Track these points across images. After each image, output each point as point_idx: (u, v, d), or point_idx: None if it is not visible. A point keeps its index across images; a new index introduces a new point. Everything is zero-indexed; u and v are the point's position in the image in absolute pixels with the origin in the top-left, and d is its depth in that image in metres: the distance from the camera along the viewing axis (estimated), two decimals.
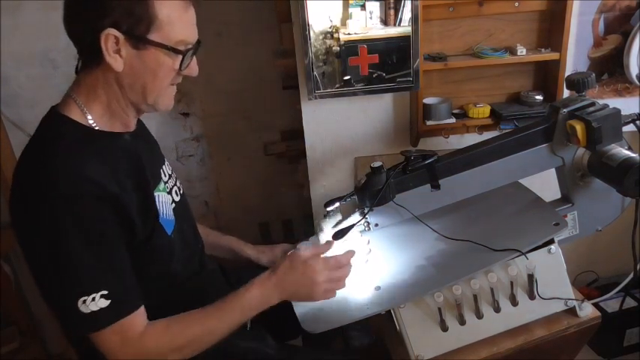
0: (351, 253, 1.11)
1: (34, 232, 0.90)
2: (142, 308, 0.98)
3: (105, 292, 0.91)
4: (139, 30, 0.91)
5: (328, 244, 1.12)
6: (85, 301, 0.90)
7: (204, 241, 1.29)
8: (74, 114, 0.97)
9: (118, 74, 0.95)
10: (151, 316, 1.06)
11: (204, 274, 1.20)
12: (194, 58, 1.01)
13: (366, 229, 1.18)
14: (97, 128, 0.98)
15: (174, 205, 1.13)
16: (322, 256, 1.08)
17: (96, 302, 0.90)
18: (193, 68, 1.02)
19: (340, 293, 1.12)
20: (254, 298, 1.03)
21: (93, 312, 0.90)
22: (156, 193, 1.05)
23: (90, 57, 0.95)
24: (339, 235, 1.15)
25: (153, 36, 0.93)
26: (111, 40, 0.90)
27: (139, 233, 0.98)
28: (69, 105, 0.98)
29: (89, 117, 0.97)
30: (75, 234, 0.89)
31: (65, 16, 0.93)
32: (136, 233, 0.97)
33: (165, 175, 1.14)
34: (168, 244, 1.05)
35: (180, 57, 0.97)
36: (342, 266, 1.09)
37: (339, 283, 1.08)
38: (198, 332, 1.00)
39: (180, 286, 1.11)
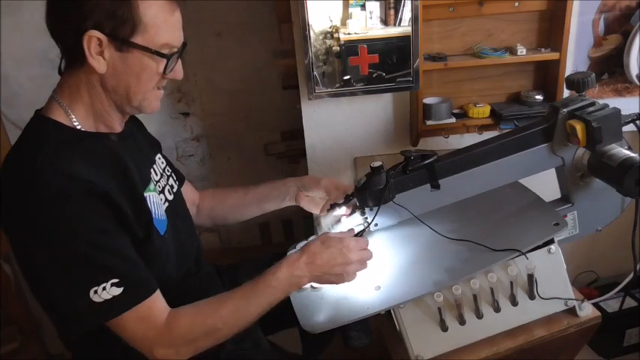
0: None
1: (28, 235, 0.89)
2: (159, 292, 0.97)
3: (115, 280, 0.90)
4: (122, 32, 0.91)
5: (351, 230, 1.13)
6: (96, 292, 0.89)
7: (241, 203, 1.33)
8: (58, 116, 0.96)
9: (102, 76, 0.94)
10: None
11: (200, 275, 1.20)
12: (179, 61, 1.00)
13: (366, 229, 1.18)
14: (81, 129, 0.97)
15: (167, 204, 1.13)
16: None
17: (108, 291, 0.89)
18: (178, 72, 1.01)
19: (340, 293, 1.12)
20: (284, 278, 1.02)
21: (107, 300, 0.90)
22: (146, 194, 1.04)
23: (73, 58, 0.94)
24: None
25: (137, 39, 0.92)
26: (94, 41, 0.90)
27: (137, 233, 0.98)
28: (52, 107, 0.97)
29: (73, 118, 0.97)
30: (71, 230, 0.88)
31: (47, 17, 0.93)
32: (133, 232, 0.97)
33: (156, 175, 1.13)
34: (163, 245, 1.05)
35: (164, 61, 0.96)
36: (366, 247, 1.10)
37: (365, 264, 1.09)
38: (229, 314, 0.99)
39: (175, 287, 1.10)
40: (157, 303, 0.97)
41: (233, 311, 0.99)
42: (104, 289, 0.89)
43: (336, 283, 1.08)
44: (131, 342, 0.95)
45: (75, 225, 0.89)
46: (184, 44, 1.00)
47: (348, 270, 1.06)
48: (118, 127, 1.04)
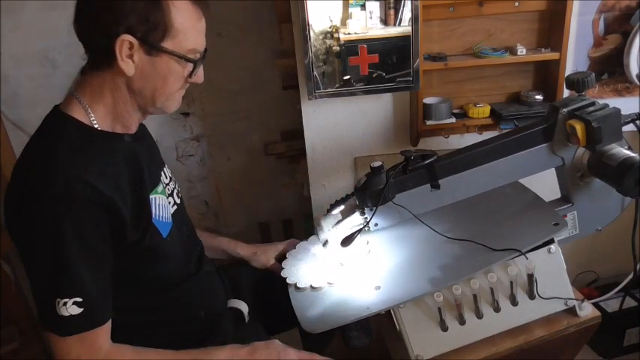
0: None
1: (25, 227, 0.91)
2: (109, 323, 0.97)
3: (79, 300, 0.90)
4: (153, 37, 0.92)
5: (313, 356, 1.08)
6: (58, 303, 0.90)
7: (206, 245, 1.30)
8: (77, 114, 0.97)
9: (129, 78, 0.95)
10: (144, 317, 1.06)
11: (200, 276, 1.20)
12: (202, 66, 1.03)
13: (366, 229, 1.18)
14: (98, 129, 0.98)
15: (175, 207, 1.13)
16: None
17: (67, 308, 0.90)
18: (200, 76, 1.04)
19: (340, 293, 1.12)
20: (223, 358, 1.02)
21: (64, 317, 0.90)
22: (153, 196, 1.04)
23: (101, 60, 0.95)
24: (346, 241, 1.15)
25: (167, 44, 0.94)
26: (125, 45, 0.91)
27: (131, 235, 0.98)
28: (72, 104, 0.98)
29: (92, 117, 0.97)
30: (63, 235, 0.89)
31: (77, 18, 0.93)
32: (127, 235, 0.97)
33: (166, 177, 1.14)
34: (164, 247, 1.05)
35: (191, 65, 0.98)
36: None
37: None
38: None
39: (174, 288, 1.10)
40: (105, 332, 0.97)
41: None
42: (65, 304, 0.90)
43: None
44: (60, 358, 0.95)
45: (69, 231, 0.89)
46: (206, 49, 1.02)
47: None
48: (134, 127, 1.05)
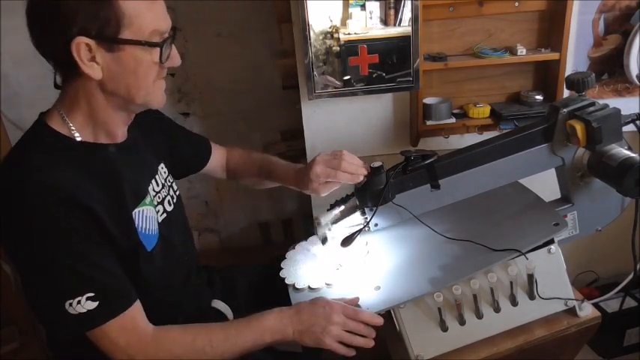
0: (378, 321, 1.06)
1: (10, 240, 0.90)
2: (139, 304, 0.97)
3: (91, 295, 0.89)
4: (108, 32, 0.88)
5: (354, 300, 1.09)
6: (71, 304, 0.89)
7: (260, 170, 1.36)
8: (56, 124, 0.96)
9: (100, 82, 0.92)
10: None
11: (185, 290, 1.17)
12: (174, 47, 0.97)
13: (366, 229, 1.18)
14: (78, 139, 0.96)
15: (164, 215, 1.10)
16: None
17: (82, 305, 0.89)
18: (175, 58, 0.98)
19: (339, 293, 1.12)
20: (273, 320, 1.03)
21: (81, 313, 0.89)
22: (139, 209, 1.02)
23: (67, 70, 0.93)
24: (346, 242, 1.15)
25: (124, 34, 0.89)
26: (83, 48, 0.87)
27: (121, 248, 0.97)
28: (53, 115, 0.97)
29: (72, 127, 0.96)
30: (48, 241, 0.88)
31: (31, 33, 0.91)
32: (117, 245, 0.96)
33: (157, 185, 1.11)
34: (148, 260, 1.03)
35: (157, 50, 0.93)
36: (361, 320, 1.04)
37: (352, 337, 1.03)
38: (220, 340, 0.99)
39: (154, 301, 1.04)
40: (139, 312, 0.96)
41: (223, 339, 1.00)
42: (79, 302, 0.89)
43: (317, 343, 1.03)
44: (110, 351, 0.94)
45: (52, 237, 0.88)
46: (174, 28, 0.96)
47: (329, 329, 1.02)
48: (119, 135, 1.03)
